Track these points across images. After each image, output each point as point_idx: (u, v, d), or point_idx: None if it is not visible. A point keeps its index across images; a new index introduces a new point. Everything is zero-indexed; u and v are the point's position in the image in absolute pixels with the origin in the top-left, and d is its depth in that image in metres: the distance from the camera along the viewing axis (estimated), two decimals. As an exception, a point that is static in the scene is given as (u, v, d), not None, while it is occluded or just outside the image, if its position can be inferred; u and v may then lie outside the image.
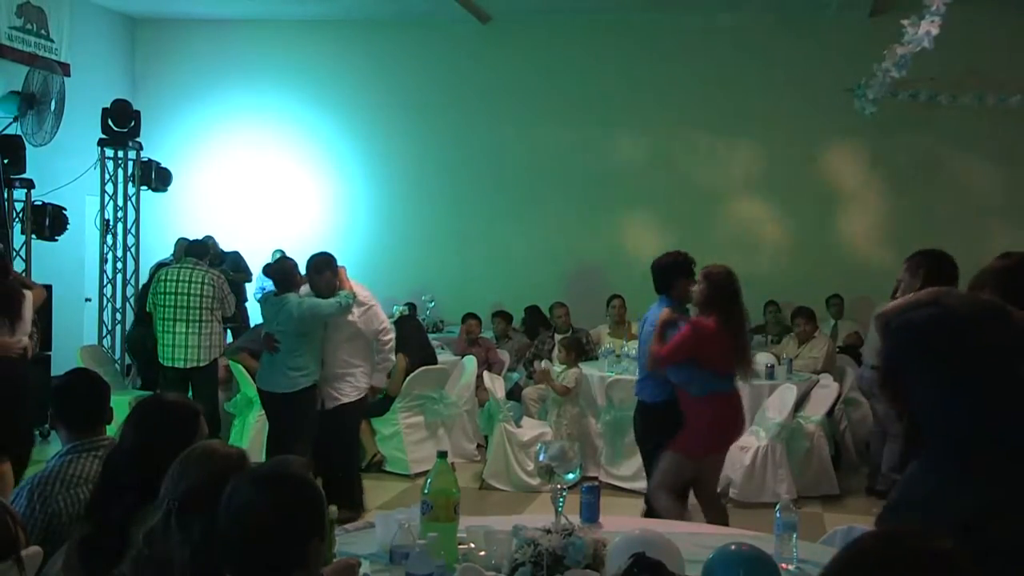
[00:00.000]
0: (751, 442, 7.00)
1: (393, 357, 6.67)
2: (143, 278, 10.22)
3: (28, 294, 5.89)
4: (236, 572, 2.05)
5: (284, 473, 2.14)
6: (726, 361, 5.01)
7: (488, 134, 11.55)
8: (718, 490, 5.44)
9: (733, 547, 2.58)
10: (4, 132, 9.08)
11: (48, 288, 8.83)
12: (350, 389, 6.28)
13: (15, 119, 9.23)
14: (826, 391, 7.61)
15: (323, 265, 6.26)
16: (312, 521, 2.08)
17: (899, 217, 10.67)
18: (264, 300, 6.52)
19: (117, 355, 10.12)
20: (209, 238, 9.27)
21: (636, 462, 7.13)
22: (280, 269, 6.42)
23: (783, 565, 2.79)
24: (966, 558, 1.48)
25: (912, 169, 10.73)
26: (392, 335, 6.55)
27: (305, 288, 6.31)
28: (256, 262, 10.56)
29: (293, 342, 6.15)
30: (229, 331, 8.55)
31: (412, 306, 9.92)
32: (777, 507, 2.96)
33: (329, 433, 6.23)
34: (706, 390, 5.01)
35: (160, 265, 9.07)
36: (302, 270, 6.37)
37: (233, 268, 9.93)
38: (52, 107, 9.36)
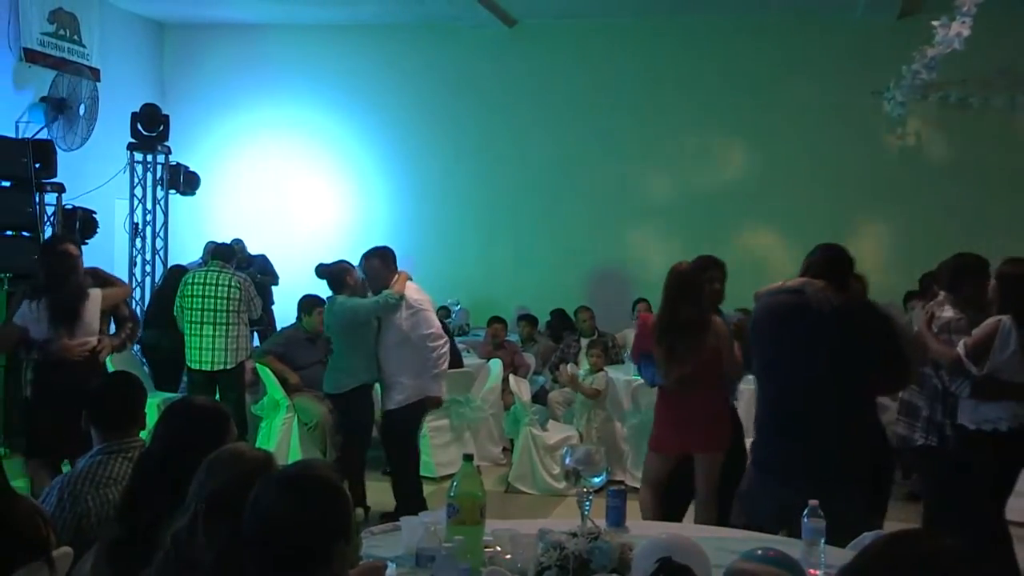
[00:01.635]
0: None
1: (445, 365, 6.24)
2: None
3: (94, 293, 5.72)
4: (260, 573, 2.05)
5: (309, 475, 2.15)
6: (658, 358, 4.98)
7: (514, 138, 11.55)
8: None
9: (760, 552, 2.57)
10: (35, 137, 9.19)
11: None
12: (397, 395, 6.09)
13: (46, 124, 9.35)
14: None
15: (371, 253, 6.18)
16: (337, 523, 2.08)
17: (929, 219, 10.57)
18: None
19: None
20: (237, 241, 9.34)
21: (662, 466, 7.11)
22: (330, 271, 6.44)
23: (811, 571, 2.76)
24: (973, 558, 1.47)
25: (943, 171, 10.63)
26: (443, 341, 6.17)
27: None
28: (283, 265, 10.64)
29: (338, 343, 6.28)
30: (256, 334, 8.60)
31: (446, 309, 9.97)
32: (804, 512, 2.93)
33: (383, 439, 6.43)
34: (656, 383, 5.12)
35: (177, 268, 9.13)
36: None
37: (260, 271, 9.99)
38: (82, 111, 9.47)
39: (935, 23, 7.26)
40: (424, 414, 6.39)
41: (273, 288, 10.51)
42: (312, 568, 2.04)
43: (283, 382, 7.54)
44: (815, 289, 4.07)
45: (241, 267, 8.55)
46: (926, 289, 6.69)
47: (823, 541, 2.89)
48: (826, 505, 2.88)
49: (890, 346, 4.04)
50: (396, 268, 6.16)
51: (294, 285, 10.57)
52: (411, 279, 6.18)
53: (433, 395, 6.20)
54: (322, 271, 6.46)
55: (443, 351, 6.15)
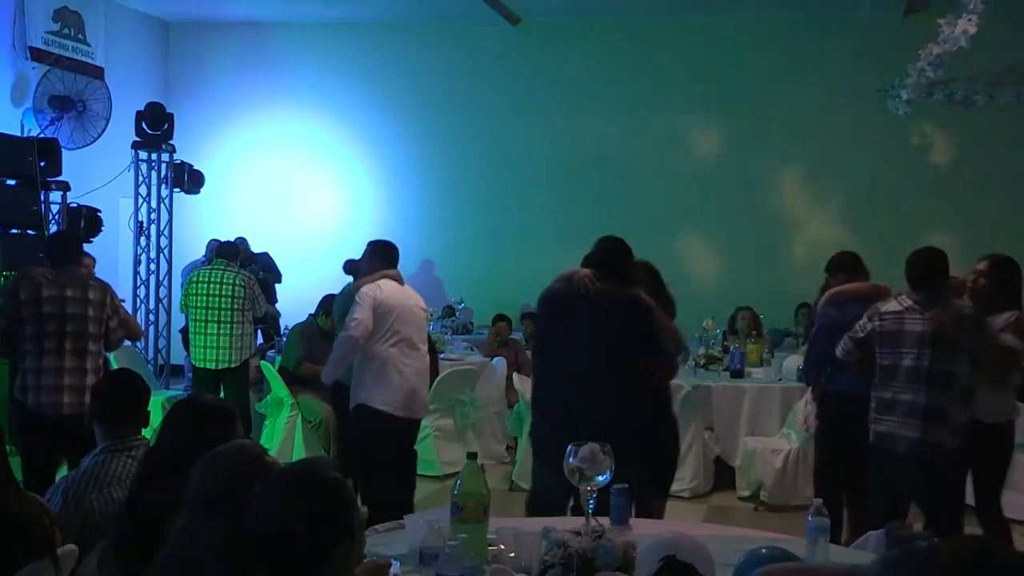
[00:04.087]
0: (782, 445, 6.95)
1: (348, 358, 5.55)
2: (176, 279, 10.33)
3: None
4: (265, 572, 2.05)
5: (312, 473, 2.14)
6: None
7: (519, 135, 11.55)
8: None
9: (764, 550, 2.57)
10: (41, 135, 9.20)
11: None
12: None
13: (51, 122, 9.36)
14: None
15: (368, 245, 5.88)
16: (341, 521, 2.07)
17: (935, 218, 10.55)
18: None
19: (150, 355, 10.22)
20: (240, 239, 9.34)
21: (666, 464, 7.11)
22: (355, 266, 6.45)
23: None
24: None
25: (948, 169, 10.61)
26: (346, 333, 5.44)
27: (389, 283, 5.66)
28: (286, 264, 10.66)
29: None
30: (260, 332, 8.61)
31: (450, 308, 9.97)
32: (809, 510, 2.93)
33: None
34: None
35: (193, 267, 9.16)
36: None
37: (263, 268, 10.00)
38: (94, 110, 9.49)
39: (941, 21, 7.24)
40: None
41: (276, 286, 10.52)
42: (317, 566, 2.03)
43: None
44: (579, 277, 4.33)
45: (244, 265, 8.55)
46: None
47: (827, 539, 2.89)
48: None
49: (643, 336, 4.26)
50: (383, 264, 5.62)
51: (297, 283, 10.62)
52: (394, 279, 5.58)
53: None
54: (349, 266, 6.47)
55: (340, 342, 5.56)
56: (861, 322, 4.70)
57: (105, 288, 5.45)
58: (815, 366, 5.43)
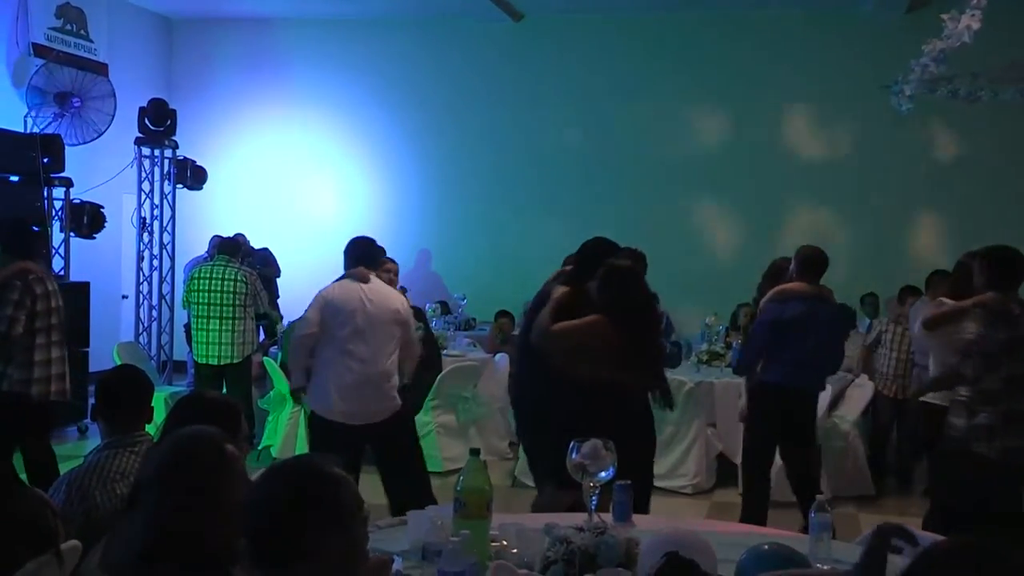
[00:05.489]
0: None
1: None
2: (179, 275, 10.34)
3: None
4: (256, 563, 2.03)
5: (304, 462, 2.14)
6: None
7: (520, 132, 11.54)
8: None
9: (766, 547, 2.56)
10: (44, 132, 9.21)
11: (85, 285, 9.00)
12: None
13: (54, 118, 9.37)
14: (861, 391, 7.53)
15: None
16: (336, 514, 2.05)
17: (936, 215, 10.55)
18: None
19: (153, 352, 10.23)
20: (240, 235, 9.35)
21: (669, 460, 7.11)
22: None
23: (818, 565, 2.76)
24: None
25: (952, 166, 10.59)
26: (294, 334, 5.46)
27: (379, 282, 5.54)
28: (288, 260, 10.65)
29: None
30: (261, 328, 8.61)
31: (443, 304, 9.95)
32: (812, 507, 2.93)
33: None
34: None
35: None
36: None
37: (261, 263, 9.99)
38: (92, 106, 9.49)
39: (944, 16, 7.22)
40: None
41: (278, 281, 10.51)
42: (298, 551, 2.01)
43: None
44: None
45: (245, 261, 8.56)
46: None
47: (829, 536, 2.89)
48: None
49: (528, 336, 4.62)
50: (352, 263, 5.37)
51: (299, 278, 10.61)
52: (358, 278, 5.31)
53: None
54: None
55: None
56: (983, 333, 4.44)
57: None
58: (754, 358, 5.67)
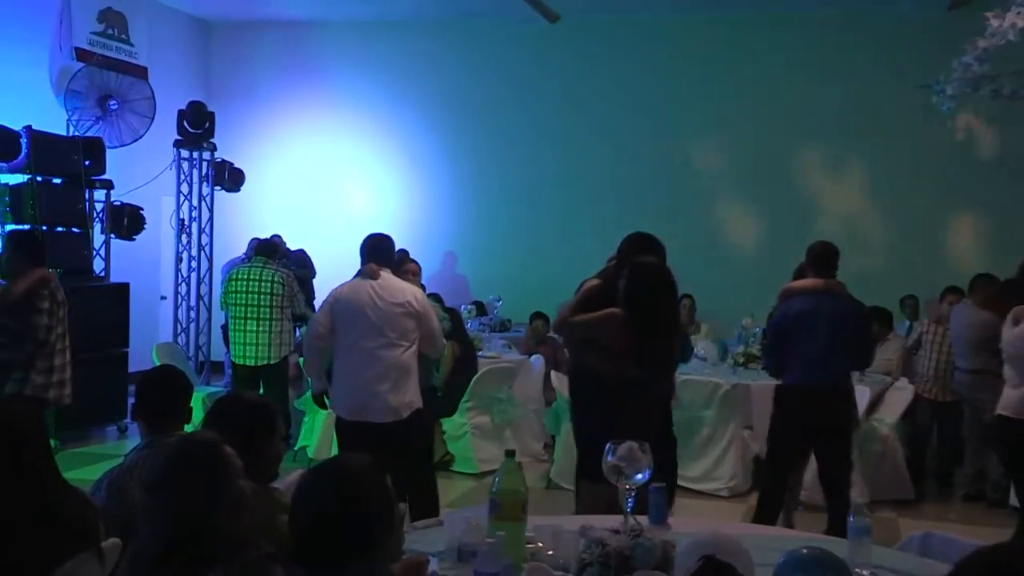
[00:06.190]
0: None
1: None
2: (216, 276, 10.43)
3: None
4: (303, 565, 2.06)
5: (349, 465, 2.16)
6: None
7: (557, 133, 11.53)
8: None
9: (804, 551, 2.53)
10: (86, 135, 9.33)
11: (125, 286, 9.12)
12: None
13: (95, 121, 9.49)
14: (900, 394, 7.44)
15: None
16: (377, 516, 2.08)
17: (976, 216, 10.40)
18: None
19: (191, 352, 10.33)
20: (276, 237, 9.42)
21: (706, 463, 7.08)
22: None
23: (858, 570, 2.72)
24: None
25: (992, 167, 10.44)
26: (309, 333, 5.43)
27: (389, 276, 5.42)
28: (324, 261, 10.70)
29: None
30: (298, 329, 8.67)
31: (479, 304, 9.96)
32: (851, 511, 2.89)
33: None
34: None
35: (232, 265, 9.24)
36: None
37: (296, 264, 10.05)
38: (133, 109, 9.61)
39: (989, 15, 7.12)
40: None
41: (314, 282, 10.57)
42: (353, 560, 2.04)
43: None
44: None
45: (280, 262, 8.62)
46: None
47: (869, 540, 2.85)
48: None
49: None
50: (364, 260, 5.30)
51: (334, 280, 10.65)
52: (369, 275, 5.21)
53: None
54: None
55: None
56: None
57: None
58: (770, 361, 5.78)
